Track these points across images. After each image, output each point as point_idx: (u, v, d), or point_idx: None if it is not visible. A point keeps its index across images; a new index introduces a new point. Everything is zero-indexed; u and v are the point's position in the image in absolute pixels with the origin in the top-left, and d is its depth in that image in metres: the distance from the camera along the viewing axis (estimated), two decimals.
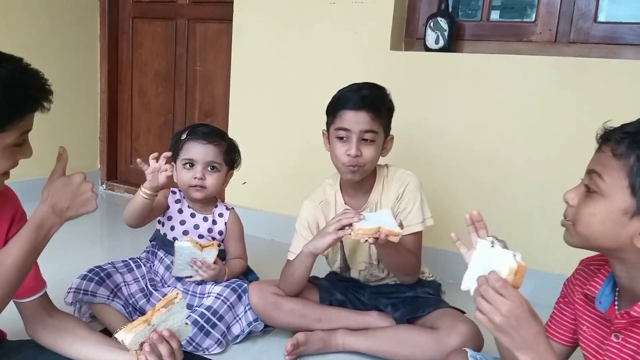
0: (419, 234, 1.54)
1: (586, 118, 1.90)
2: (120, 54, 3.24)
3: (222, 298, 1.52)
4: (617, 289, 0.96)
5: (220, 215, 1.70)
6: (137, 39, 3.18)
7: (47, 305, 1.22)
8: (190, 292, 1.59)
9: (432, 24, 2.17)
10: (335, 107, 1.50)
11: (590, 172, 0.91)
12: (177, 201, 1.68)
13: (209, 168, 1.60)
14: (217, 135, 1.63)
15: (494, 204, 2.09)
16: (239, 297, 1.55)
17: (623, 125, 0.90)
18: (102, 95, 3.25)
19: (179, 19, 3.02)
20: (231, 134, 2.67)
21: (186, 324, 1.08)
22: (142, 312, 1.57)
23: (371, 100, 1.45)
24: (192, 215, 1.67)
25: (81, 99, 3.17)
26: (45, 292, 1.22)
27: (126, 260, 1.68)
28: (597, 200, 0.89)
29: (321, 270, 1.78)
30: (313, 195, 1.65)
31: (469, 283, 0.94)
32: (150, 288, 1.61)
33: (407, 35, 2.32)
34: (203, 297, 1.56)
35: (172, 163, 1.66)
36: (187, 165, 1.60)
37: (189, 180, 1.59)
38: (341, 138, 1.47)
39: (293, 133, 2.52)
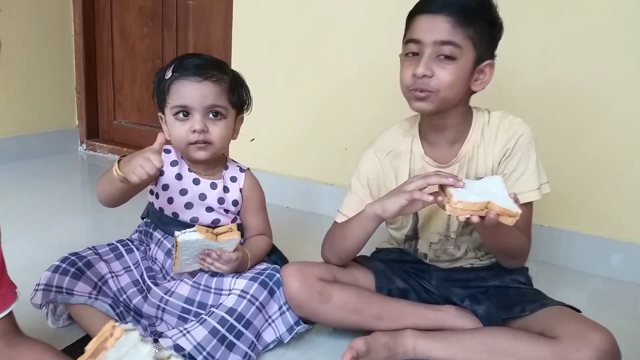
0: (531, 205, 1.14)
1: None
2: None
3: (248, 297, 1.10)
4: None
5: (233, 179, 1.28)
6: None
7: (8, 329, 0.82)
8: (202, 288, 1.17)
9: None
10: (409, 15, 1.10)
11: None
12: (174, 163, 1.24)
13: (210, 115, 1.17)
14: (215, 67, 1.19)
15: (572, 155, 1.70)
16: (271, 293, 1.14)
17: None
18: (77, 37, 2.75)
19: None
20: None
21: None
22: (138, 313, 1.17)
23: (458, 1, 1.04)
24: (196, 182, 1.24)
25: (51, 43, 2.68)
26: (11, 310, 0.84)
27: (113, 244, 1.25)
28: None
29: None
30: (379, 142, 1.24)
31: None
32: (149, 281, 1.18)
33: None
34: (221, 295, 1.15)
35: (160, 115, 1.23)
36: (181, 115, 1.17)
37: (186, 135, 1.17)
38: (413, 53, 1.08)
39: (312, 77, 2.09)
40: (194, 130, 1.15)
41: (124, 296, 1.16)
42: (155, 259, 1.25)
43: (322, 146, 2.12)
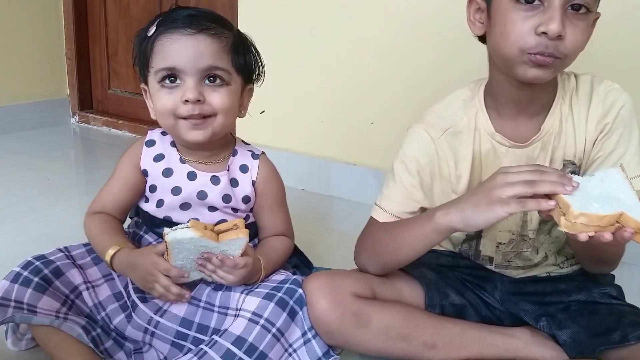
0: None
1: None
2: None
3: (262, 321, 0.83)
4: None
5: (244, 169, 0.99)
6: None
7: None
8: (202, 305, 0.90)
9: None
10: None
11: None
12: (158, 158, 0.96)
13: (206, 80, 0.88)
14: (213, 19, 0.90)
15: None
16: (292, 315, 0.87)
17: None
18: None
19: None
20: None
21: None
22: (121, 336, 0.91)
23: None
24: (191, 176, 0.95)
25: (38, 3, 2.41)
26: None
27: (89, 244, 0.97)
28: None
29: None
30: (432, 117, 0.95)
31: None
32: (134, 295, 0.91)
33: None
34: (227, 315, 0.88)
35: (143, 87, 0.94)
36: (167, 81, 0.88)
37: (174, 107, 0.88)
38: (530, 2, 0.78)
39: (332, 42, 1.81)
40: (186, 101, 0.86)
41: (103, 314, 0.90)
42: None
43: (343, 120, 1.86)
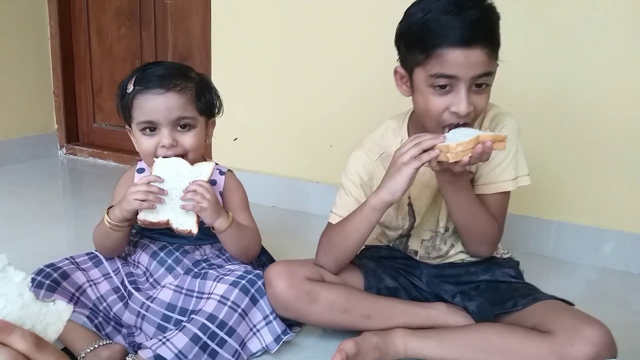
0: (506, 195, 1.12)
1: None
2: None
3: (229, 303, 1.05)
4: None
5: (213, 182, 1.21)
6: None
7: None
8: (184, 292, 1.12)
9: None
10: (425, 43, 0.99)
11: None
12: None
13: (178, 127, 1.13)
14: (178, 76, 1.13)
15: (561, 147, 1.68)
16: (254, 301, 1.09)
17: None
18: (53, 40, 2.69)
19: None
20: (214, 80, 2.13)
21: (40, 300, 0.51)
22: (118, 323, 1.12)
23: (487, 27, 0.97)
24: None
25: (27, 45, 2.61)
26: None
27: (91, 253, 1.20)
28: None
29: None
30: (369, 143, 1.20)
31: None
32: (130, 287, 1.14)
33: None
34: (202, 299, 1.09)
35: (127, 127, 1.19)
36: (147, 130, 1.13)
37: (154, 150, 1.13)
38: (442, 87, 1.00)
39: (294, 75, 2.05)
40: (162, 146, 1.11)
41: (104, 304, 1.12)
42: (139, 262, 1.20)
43: (306, 144, 2.08)
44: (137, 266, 1.20)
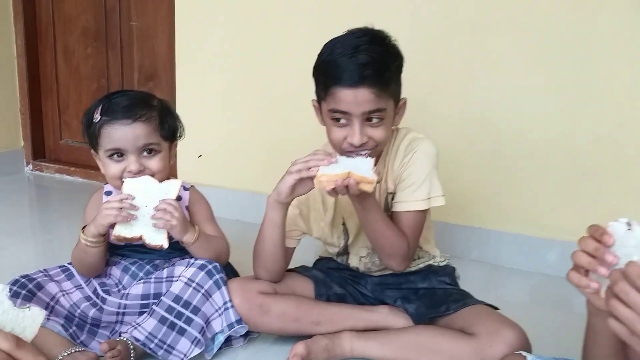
0: (419, 214, 1.23)
1: (599, 64, 1.67)
2: (39, 9, 2.75)
3: (194, 285, 1.18)
4: None
5: (178, 199, 1.31)
6: None
7: None
8: (153, 281, 1.23)
9: None
10: (325, 81, 1.14)
11: None
12: None
13: (145, 153, 1.23)
14: (143, 105, 1.23)
15: (493, 163, 1.85)
16: (217, 285, 1.22)
17: None
18: (20, 59, 2.75)
19: None
20: (180, 99, 2.32)
21: (17, 307, 0.62)
22: (96, 325, 1.22)
23: (375, 70, 1.09)
24: None
25: None
26: None
27: (64, 265, 1.30)
28: None
29: (310, 258, 1.49)
30: None
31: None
32: (103, 293, 1.24)
33: None
34: (172, 282, 1.21)
35: (93, 152, 1.28)
36: (115, 156, 1.22)
37: (121, 174, 1.22)
38: (338, 120, 1.14)
39: (256, 94, 2.17)
40: (129, 171, 1.21)
41: (79, 311, 1.22)
42: (110, 274, 1.30)
43: (269, 159, 2.19)
44: (110, 277, 1.30)
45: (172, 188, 1.22)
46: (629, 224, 0.67)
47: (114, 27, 2.60)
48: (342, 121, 1.13)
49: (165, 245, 1.20)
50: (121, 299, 1.23)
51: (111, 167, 1.23)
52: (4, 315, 0.60)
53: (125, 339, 1.12)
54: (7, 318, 0.61)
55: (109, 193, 1.31)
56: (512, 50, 1.76)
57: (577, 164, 1.73)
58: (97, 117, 1.21)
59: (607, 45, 1.65)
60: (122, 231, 1.19)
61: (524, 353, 0.96)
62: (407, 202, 1.22)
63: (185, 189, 1.35)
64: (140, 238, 1.20)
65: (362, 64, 1.08)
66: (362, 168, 1.06)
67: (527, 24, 1.73)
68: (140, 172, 1.22)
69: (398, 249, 1.21)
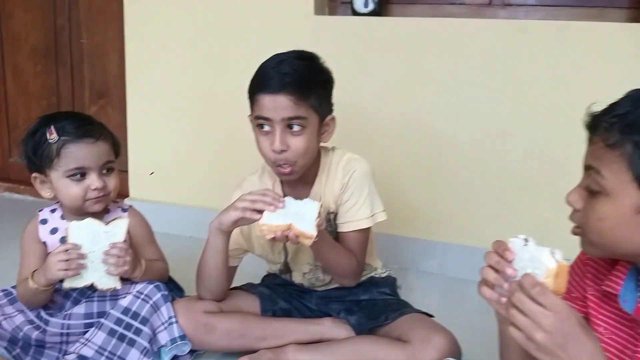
0: (365, 231, 1.31)
1: (527, 85, 1.79)
2: None
3: (142, 296, 1.21)
4: None
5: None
6: (6, 8, 2.65)
7: None
8: (96, 299, 1.25)
9: None
10: (251, 90, 1.24)
11: (587, 168, 0.76)
12: (54, 231, 1.30)
13: (104, 171, 1.26)
14: (95, 125, 1.27)
15: (434, 181, 1.94)
16: (165, 299, 1.25)
17: (610, 107, 0.75)
18: None
19: None
20: (131, 116, 2.33)
21: None
22: (41, 345, 1.23)
23: (294, 79, 1.17)
24: None
25: None
26: None
27: (6, 289, 1.30)
28: (601, 201, 0.73)
29: (260, 273, 1.52)
30: (247, 184, 1.38)
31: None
32: (46, 316, 1.25)
33: None
34: (117, 299, 1.23)
35: (35, 175, 1.27)
36: (77, 176, 1.23)
37: (84, 194, 1.23)
38: (262, 127, 1.21)
39: (207, 112, 2.20)
40: (95, 189, 1.22)
41: (21, 333, 1.22)
42: (54, 300, 1.29)
43: (220, 176, 2.22)
44: (53, 303, 1.30)
45: (118, 230, 1.21)
46: (525, 240, 0.75)
47: (64, 46, 2.59)
48: (266, 127, 1.20)
49: (119, 286, 1.21)
50: (64, 319, 1.23)
51: (72, 188, 1.23)
52: None
53: None
54: None
55: (44, 221, 1.31)
56: (452, 71, 1.86)
57: (511, 178, 1.84)
58: (54, 137, 1.21)
59: (534, 69, 1.77)
60: (72, 283, 1.18)
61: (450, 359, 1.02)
62: (353, 222, 1.29)
63: (123, 210, 1.36)
64: (92, 285, 1.20)
65: (283, 73, 1.17)
66: (305, 217, 1.09)
67: (465, 47, 1.83)
68: (103, 189, 1.23)
69: (349, 269, 1.29)
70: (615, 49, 1.71)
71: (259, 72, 1.23)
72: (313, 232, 1.08)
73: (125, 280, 1.25)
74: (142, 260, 1.27)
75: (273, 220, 1.08)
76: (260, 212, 1.12)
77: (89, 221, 1.20)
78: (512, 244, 0.76)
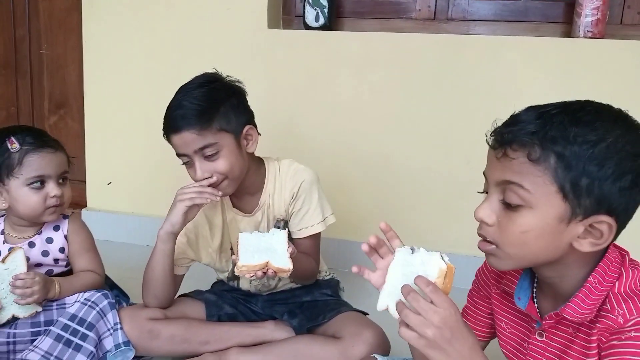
0: (318, 235, 1.39)
1: (467, 95, 1.88)
2: None
3: (89, 303, 1.26)
4: (535, 284, 0.88)
5: (56, 228, 1.37)
6: None
7: None
8: (44, 308, 1.27)
9: (310, 0, 2.02)
10: (164, 131, 1.30)
11: (503, 183, 0.78)
12: None
13: (60, 180, 1.32)
14: (52, 138, 1.34)
15: (382, 189, 2.02)
16: (111, 306, 1.30)
17: (517, 125, 0.77)
18: None
19: None
20: (89, 126, 2.36)
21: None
22: None
23: (192, 113, 1.22)
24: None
25: None
26: None
27: None
28: (524, 214, 0.76)
29: (209, 281, 1.57)
30: None
31: (386, 300, 0.81)
32: None
33: (285, 13, 2.15)
34: (64, 307, 1.27)
35: None
36: (37, 184, 1.27)
37: (43, 202, 1.28)
38: (186, 163, 1.28)
39: (160, 123, 2.23)
40: (54, 196, 1.27)
41: None
42: None
43: (177, 186, 2.26)
44: None
45: (18, 262, 1.23)
46: (412, 249, 0.82)
47: (24, 56, 2.60)
48: (187, 160, 1.27)
49: (39, 309, 1.24)
50: (10, 328, 1.26)
51: (31, 197, 1.27)
52: None
53: None
54: None
55: None
56: (397, 83, 1.94)
57: (452, 185, 1.93)
58: (16, 146, 1.25)
59: (473, 81, 1.87)
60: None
61: (376, 355, 1.09)
62: (307, 228, 1.36)
63: (64, 217, 1.39)
64: (14, 317, 1.23)
65: (178, 114, 1.23)
66: (278, 250, 1.14)
67: (410, 60, 1.92)
68: (60, 197, 1.29)
69: (311, 271, 1.40)
70: (549, 62, 1.82)
71: (165, 113, 1.28)
72: (289, 266, 1.13)
73: (46, 300, 1.28)
74: (55, 280, 1.28)
75: (249, 261, 1.12)
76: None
77: None
78: (399, 252, 0.82)
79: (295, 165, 1.39)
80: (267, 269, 1.13)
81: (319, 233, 1.39)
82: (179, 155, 1.27)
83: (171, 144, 1.27)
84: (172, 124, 1.24)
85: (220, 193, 1.24)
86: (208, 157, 1.24)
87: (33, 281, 1.21)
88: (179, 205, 1.24)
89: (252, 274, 1.12)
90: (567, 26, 1.91)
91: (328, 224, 1.39)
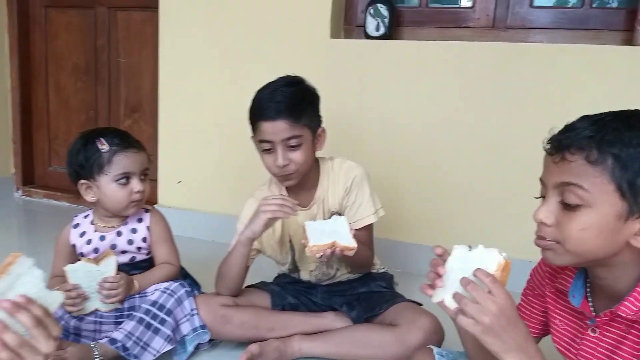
0: (371, 226, 1.49)
1: (524, 103, 1.92)
2: (33, 47, 2.96)
3: (168, 291, 1.39)
4: (588, 282, 0.92)
5: (140, 220, 1.50)
6: (51, 29, 2.92)
7: None
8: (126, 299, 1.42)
9: (372, 11, 2.11)
10: (252, 118, 1.41)
11: (562, 185, 0.82)
12: (83, 234, 1.48)
13: (142, 177, 1.46)
14: (135, 139, 1.48)
15: (436, 190, 2.08)
16: (187, 294, 1.43)
17: (574, 131, 0.82)
18: (14, 92, 2.95)
19: (98, 7, 2.78)
20: (162, 130, 2.54)
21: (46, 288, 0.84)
22: (78, 334, 1.40)
23: (287, 106, 1.35)
24: (102, 239, 1.47)
25: None
26: None
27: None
28: (584, 213, 0.81)
29: (270, 274, 1.68)
30: (258, 192, 1.55)
31: (442, 293, 0.87)
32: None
33: (347, 23, 2.25)
34: (145, 295, 1.41)
35: (83, 182, 1.42)
36: (123, 180, 1.41)
37: (128, 196, 1.42)
38: (267, 149, 1.39)
39: (229, 127, 2.38)
40: (138, 191, 1.42)
41: (62, 322, 1.39)
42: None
43: (242, 185, 2.37)
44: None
45: (110, 267, 1.35)
46: (469, 246, 0.88)
47: (103, 64, 2.82)
48: (268, 148, 1.37)
49: (119, 306, 1.39)
50: (96, 317, 1.40)
51: (118, 192, 1.41)
52: (40, 292, 0.83)
53: (91, 345, 1.29)
54: (41, 294, 0.82)
55: (76, 225, 1.50)
56: (454, 90, 2.00)
57: (506, 191, 1.97)
58: (106, 147, 1.41)
59: (530, 89, 1.90)
60: (80, 312, 1.37)
61: (432, 347, 1.15)
62: (362, 219, 1.46)
63: (146, 210, 1.53)
64: (96, 310, 1.38)
65: (277, 101, 1.34)
66: (342, 232, 1.27)
67: (467, 67, 1.98)
68: (142, 193, 1.43)
69: (367, 259, 1.51)
70: (609, 70, 1.83)
71: (256, 102, 1.39)
72: (354, 245, 1.25)
73: (140, 263, 1.46)
74: (134, 280, 1.42)
75: (318, 241, 1.25)
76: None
77: (81, 264, 1.34)
78: (456, 249, 0.88)
79: (347, 163, 1.49)
80: (335, 248, 1.23)
81: (372, 224, 1.48)
82: (262, 141, 1.37)
83: (258, 129, 1.38)
84: (268, 112, 1.34)
85: (297, 213, 1.34)
86: (290, 148, 1.36)
87: (118, 284, 1.36)
88: (262, 216, 1.34)
89: (321, 253, 1.23)
90: (629, 34, 1.91)
91: (379, 215, 1.48)
